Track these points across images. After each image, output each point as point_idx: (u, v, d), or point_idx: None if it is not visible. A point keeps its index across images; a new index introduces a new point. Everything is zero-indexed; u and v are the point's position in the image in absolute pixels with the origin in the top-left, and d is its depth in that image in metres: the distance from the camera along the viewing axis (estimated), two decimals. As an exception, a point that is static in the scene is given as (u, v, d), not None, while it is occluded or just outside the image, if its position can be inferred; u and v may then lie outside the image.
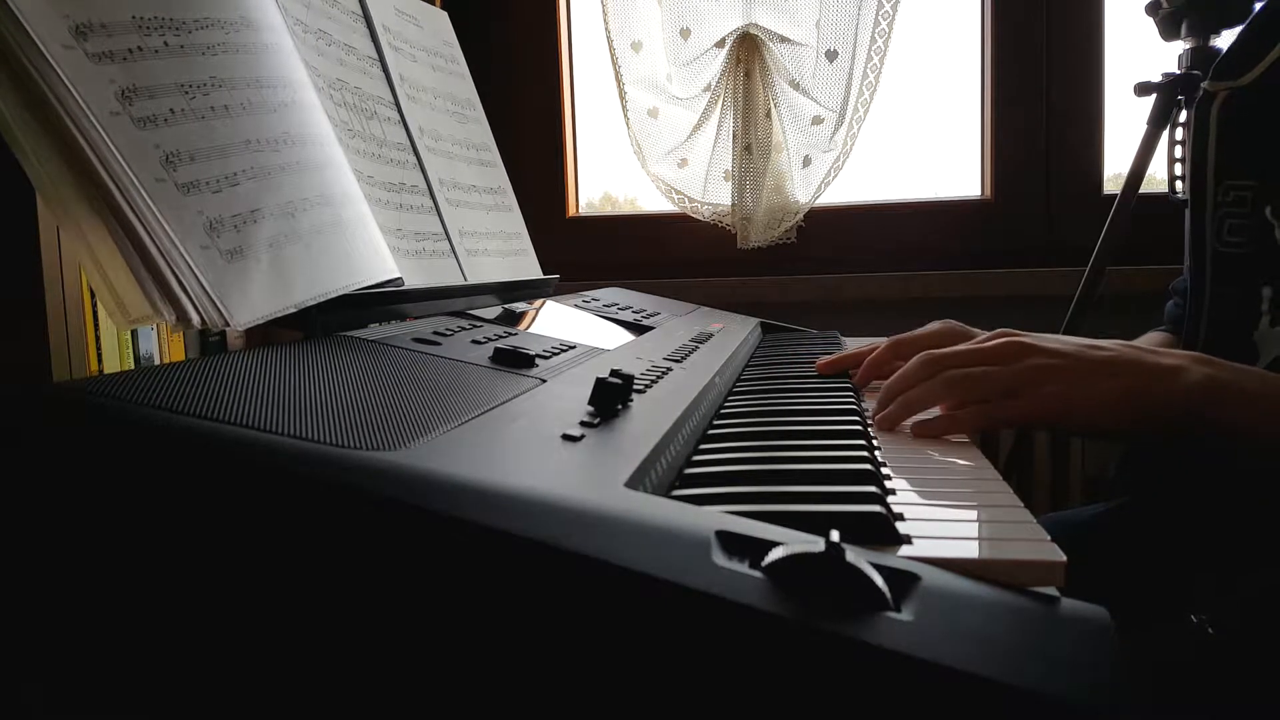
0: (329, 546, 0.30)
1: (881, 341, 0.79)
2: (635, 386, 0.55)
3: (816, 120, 1.58)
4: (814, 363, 0.85)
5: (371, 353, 0.52)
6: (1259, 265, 0.73)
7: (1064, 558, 0.35)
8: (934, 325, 0.83)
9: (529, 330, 0.74)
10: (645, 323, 0.94)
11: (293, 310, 0.56)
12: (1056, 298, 1.39)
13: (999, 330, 0.67)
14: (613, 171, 1.83)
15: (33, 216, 0.87)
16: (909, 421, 0.62)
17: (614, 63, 1.62)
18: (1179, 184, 1.33)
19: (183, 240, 0.51)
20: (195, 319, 0.50)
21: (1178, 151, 1.32)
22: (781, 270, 1.62)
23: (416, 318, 0.70)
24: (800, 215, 1.61)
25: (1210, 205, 0.78)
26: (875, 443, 0.57)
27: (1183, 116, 1.30)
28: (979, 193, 1.66)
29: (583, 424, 0.45)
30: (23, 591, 0.33)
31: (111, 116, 0.50)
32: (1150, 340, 0.93)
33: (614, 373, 0.50)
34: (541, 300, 0.94)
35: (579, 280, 1.31)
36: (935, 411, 0.63)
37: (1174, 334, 0.92)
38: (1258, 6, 1.21)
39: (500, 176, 1.08)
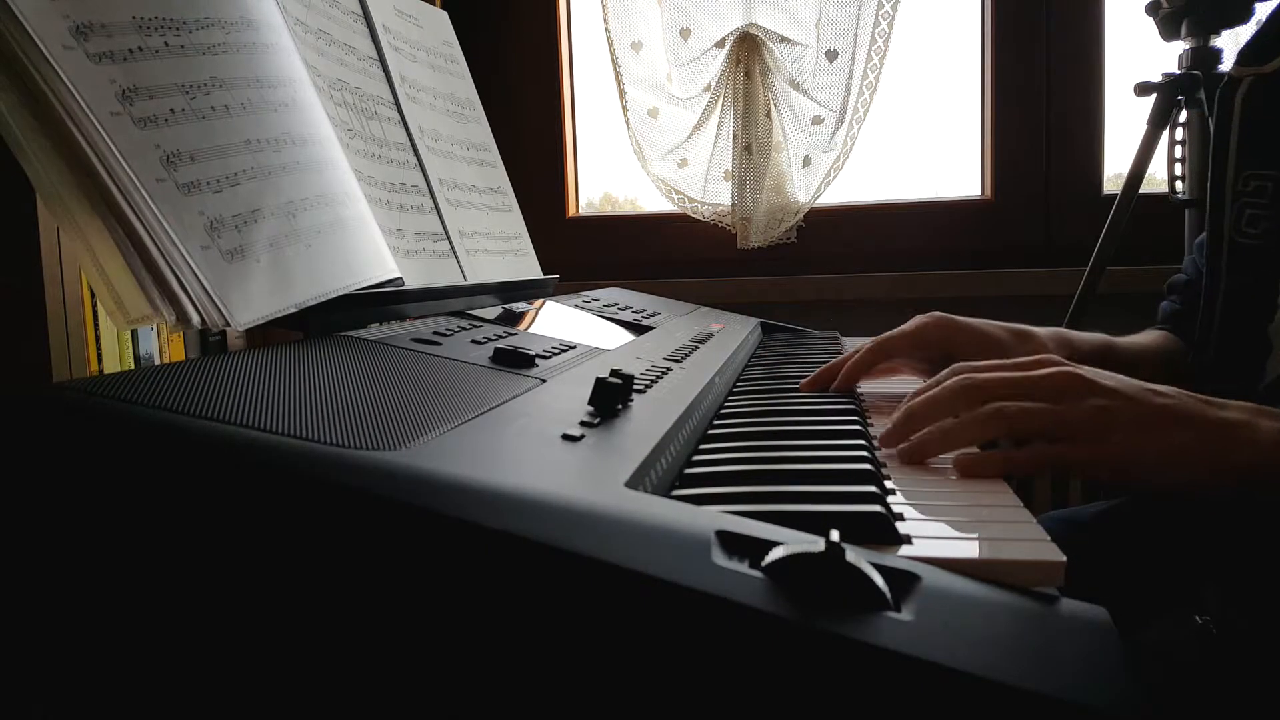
0: (329, 546, 0.30)
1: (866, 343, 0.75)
2: (635, 386, 0.55)
3: (816, 120, 1.58)
4: (814, 363, 0.84)
5: (371, 353, 0.52)
6: (1277, 257, 0.72)
7: (1064, 558, 0.35)
8: (921, 319, 0.76)
9: (529, 330, 0.74)
10: (645, 323, 0.94)
11: (293, 310, 0.56)
12: (1056, 298, 1.39)
13: (1041, 355, 0.58)
14: (613, 171, 1.83)
15: (33, 216, 0.88)
16: (949, 455, 0.53)
17: (614, 63, 1.62)
18: (1179, 184, 1.33)
19: (183, 240, 0.51)
20: (195, 319, 0.50)
21: (1178, 151, 1.33)
22: (781, 270, 1.62)
23: (416, 318, 0.70)
24: (800, 215, 1.61)
25: (1229, 194, 0.75)
26: (875, 443, 0.57)
27: (1183, 117, 1.30)
28: (979, 193, 1.66)
29: (583, 424, 0.45)
30: (23, 592, 0.33)
31: (112, 116, 0.50)
32: (1149, 338, 0.92)
33: (614, 373, 0.50)
34: (541, 300, 0.94)
35: (579, 280, 1.31)
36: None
37: (1171, 332, 0.91)
38: (1259, 5, 1.21)
39: (500, 176, 1.08)
